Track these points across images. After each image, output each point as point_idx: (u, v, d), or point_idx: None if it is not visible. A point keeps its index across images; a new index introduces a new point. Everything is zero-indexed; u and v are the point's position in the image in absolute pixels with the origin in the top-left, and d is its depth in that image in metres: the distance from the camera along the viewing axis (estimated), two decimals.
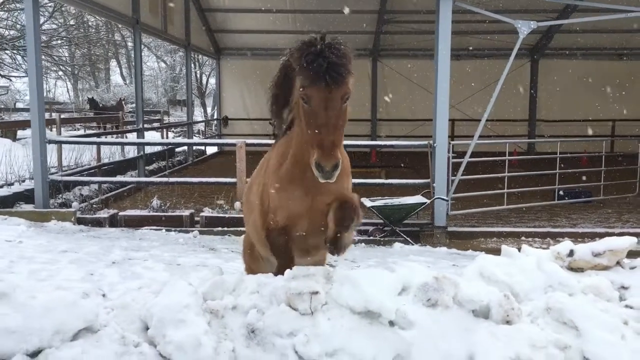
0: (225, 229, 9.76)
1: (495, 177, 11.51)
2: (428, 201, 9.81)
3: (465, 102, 19.27)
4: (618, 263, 4.14)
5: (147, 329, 2.91)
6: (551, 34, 20.17)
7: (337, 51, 3.10)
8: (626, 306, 3.66)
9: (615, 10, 10.55)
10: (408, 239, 9.55)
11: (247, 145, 10.34)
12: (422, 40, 18.60)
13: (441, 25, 9.48)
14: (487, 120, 10.24)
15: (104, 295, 3.18)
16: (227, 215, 9.86)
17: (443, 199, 9.79)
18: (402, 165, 16.47)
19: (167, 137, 22.73)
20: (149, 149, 16.35)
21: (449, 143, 10.22)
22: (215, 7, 20.25)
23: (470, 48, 19.89)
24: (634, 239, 4.14)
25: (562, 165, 11.85)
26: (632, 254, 4.28)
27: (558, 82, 21.40)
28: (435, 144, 9.98)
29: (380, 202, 9.82)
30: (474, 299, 3.32)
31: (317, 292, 3.04)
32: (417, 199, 9.89)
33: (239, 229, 9.55)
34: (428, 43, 15.49)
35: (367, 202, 9.69)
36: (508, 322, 3.28)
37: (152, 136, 24.28)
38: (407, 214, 9.73)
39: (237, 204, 10.04)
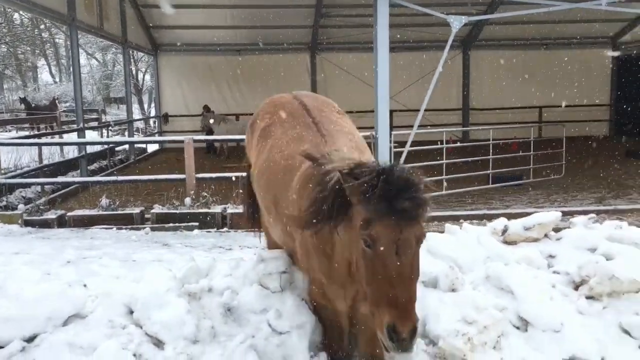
0: (178, 224, 9.90)
1: (434, 165, 12.11)
2: None
3: (403, 94, 19.91)
4: (546, 235, 4.68)
5: (132, 312, 3.16)
6: (481, 27, 21.08)
7: (410, 181, 2.56)
8: (554, 272, 4.18)
9: (539, 4, 11.30)
10: None
11: (195, 141, 10.50)
12: (361, 34, 19.09)
13: (379, 19, 9.88)
14: (425, 110, 10.78)
15: (85, 286, 3.39)
16: (178, 212, 10.00)
17: None
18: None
19: (106, 136, 22.36)
20: (89, 149, 16.14)
21: (390, 134, 10.70)
22: (152, 3, 20.06)
23: (410, 41, 20.51)
24: (559, 214, 4.68)
25: (496, 150, 12.59)
26: (557, 227, 4.83)
27: (489, 72, 22.39)
28: (377, 135, 10.43)
29: None
30: (423, 272, 3.73)
31: (285, 272, 3.36)
32: None
33: (190, 224, 9.73)
34: (366, 36, 15.99)
35: None
36: (454, 290, 3.71)
37: (89, 136, 23.79)
38: None
39: (187, 200, 10.19)
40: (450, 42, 10.35)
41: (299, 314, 3.25)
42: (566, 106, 21.11)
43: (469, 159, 13.26)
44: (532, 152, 13.17)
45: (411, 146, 10.88)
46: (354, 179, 2.61)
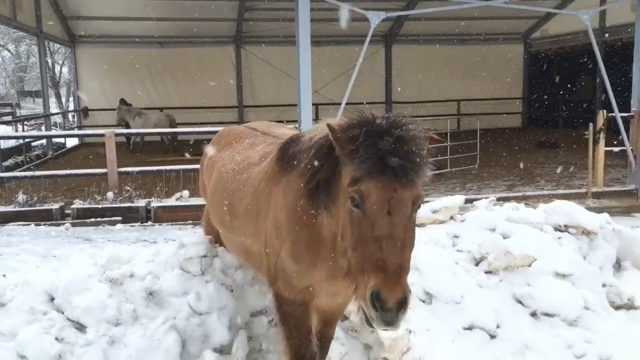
0: (100, 219, 9.76)
1: None
2: None
3: (328, 87, 20.25)
4: (452, 217, 5.05)
5: (53, 299, 3.22)
6: (401, 22, 21.72)
7: (408, 132, 2.29)
8: (457, 250, 4.55)
9: (453, 1, 11.87)
10: None
11: (117, 135, 10.36)
12: (284, 27, 19.24)
13: (300, 13, 10.09)
14: (348, 104, 11.10)
15: (4, 276, 3.41)
16: (100, 206, 9.85)
17: None
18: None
19: (22, 131, 21.43)
20: (2, 144, 15.49)
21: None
22: None
23: (334, 35, 20.81)
24: (463, 197, 5.07)
25: None
26: (462, 210, 5.22)
27: (411, 66, 23.10)
28: (301, 128, 10.65)
29: None
30: None
31: (205, 256, 3.52)
32: None
33: (113, 219, 9.62)
34: (290, 30, 16.18)
35: None
36: None
37: (3, 130, 22.73)
38: None
39: (110, 194, 10.05)
40: (369, 37, 10.70)
41: (219, 296, 3.42)
42: (482, 99, 22.17)
43: None
44: (449, 143, 13.79)
45: None
46: (342, 132, 2.34)
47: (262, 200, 3.07)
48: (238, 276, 3.66)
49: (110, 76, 22.07)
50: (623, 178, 12.01)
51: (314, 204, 2.61)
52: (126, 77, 21.94)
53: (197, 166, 10.97)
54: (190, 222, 9.45)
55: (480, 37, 23.02)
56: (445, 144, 13.86)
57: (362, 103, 20.84)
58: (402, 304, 2.12)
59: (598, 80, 17.74)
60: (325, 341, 3.26)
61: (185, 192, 10.18)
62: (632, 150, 10.96)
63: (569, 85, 22.22)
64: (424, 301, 3.94)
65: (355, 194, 2.23)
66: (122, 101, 19.28)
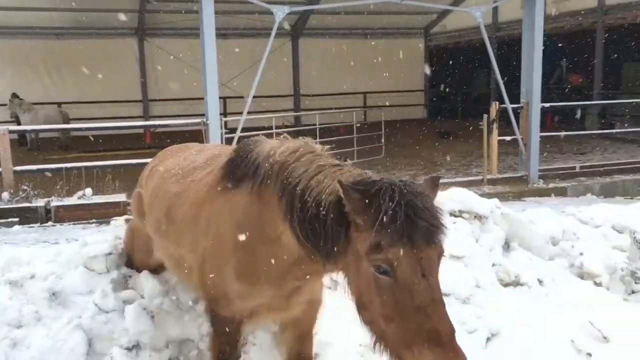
0: None
1: None
2: None
3: (236, 80, 20.12)
4: None
5: None
6: (307, 16, 21.94)
7: (421, 194, 2.23)
8: None
9: None
10: None
11: (11, 132, 9.82)
12: (189, 19, 18.88)
13: (204, 5, 9.98)
14: (256, 97, 11.13)
15: None
16: None
17: None
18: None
19: None
20: None
21: (222, 120, 10.90)
22: None
23: (242, 28, 20.67)
24: None
25: (325, 134, 13.38)
26: None
27: (318, 60, 23.39)
28: (208, 121, 10.57)
29: None
30: None
31: (111, 254, 3.50)
32: None
33: (9, 220, 9.13)
34: (195, 22, 15.90)
35: None
36: None
37: None
38: None
39: (5, 195, 9.53)
40: (274, 30, 10.77)
41: (125, 292, 3.42)
42: (387, 92, 22.87)
43: None
44: (355, 135, 14.16)
45: (245, 132, 11.16)
46: (360, 194, 2.19)
47: (204, 211, 2.90)
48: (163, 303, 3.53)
49: (4, 69, 20.72)
50: (515, 165, 12.85)
51: (305, 243, 2.42)
52: (19, 70, 20.70)
53: (101, 163, 10.67)
54: (94, 220, 9.16)
55: (384, 32, 23.69)
56: (352, 135, 14.22)
57: (270, 96, 20.96)
58: None
59: (492, 73, 18.82)
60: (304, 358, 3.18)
61: (88, 190, 9.83)
62: (521, 139, 11.75)
63: (466, 79, 23.39)
64: (330, 287, 4.11)
65: (383, 262, 2.09)
66: (14, 95, 18.22)
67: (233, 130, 11.28)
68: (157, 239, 3.45)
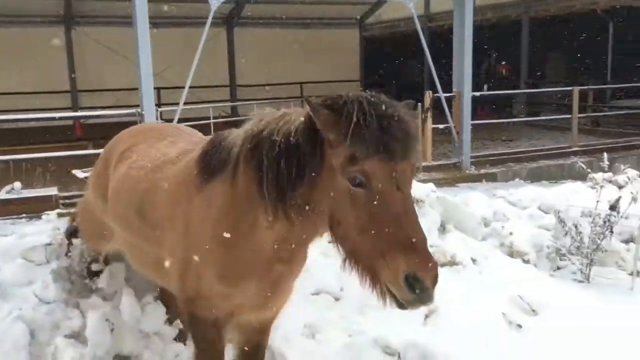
0: None
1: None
2: None
3: (170, 71, 19.72)
4: None
5: None
6: (242, 5, 21.75)
7: (399, 108, 2.23)
8: None
9: None
10: None
11: None
12: (120, 7, 18.34)
13: None
14: (192, 87, 11.00)
15: None
16: None
17: None
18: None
19: None
20: None
21: (157, 110, 10.71)
22: None
23: (175, 17, 20.24)
24: None
25: None
26: None
27: (254, 49, 23.23)
28: (143, 112, 10.37)
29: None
30: None
31: (50, 244, 3.43)
32: None
33: None
34: (126, 10, 15.47)
35: (80, 174, 9.68)
36: None
37: None
38: None
39: None
40: (210, 19, 10.67)
41: (67, 283, 3.36)
42: (324, 82, 23.02)
43: None
44: None
45: (180, 122, 11.01)
46: (328, 108, 2.17)
47: (180, 211, 2.77)
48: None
49: None
50: (449, 152, 13.27)
51: (266, 206, 2.36)
52: None
53: (30, 156, 10.27)
54: (24, 215, 8.83)
55: (319, 22, 23.80)
56: None
57: (206, 86, 20.66)
58: (437, 280, 2.10)
59: (425, 63, 19.31)
60: (259, 352, 3.08)
61: (17, 184, 9.46)
62: (454, 127, 12.15)
63: (401, 69, 23.87)
64: None
65: (358, 173, 2.10)
66: None
67: (169, 122, 11.10)
68: (128, 236, 3.28)
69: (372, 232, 2.10)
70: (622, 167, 6.43)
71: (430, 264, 2.07)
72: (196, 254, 2.63)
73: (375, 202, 2.09)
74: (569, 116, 13.73)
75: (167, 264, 2.85)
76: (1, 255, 3.37)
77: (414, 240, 2.06)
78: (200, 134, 3.72)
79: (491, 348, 3.96)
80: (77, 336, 3.27)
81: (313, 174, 2.26)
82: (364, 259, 2.17)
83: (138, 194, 3.09)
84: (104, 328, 3.30)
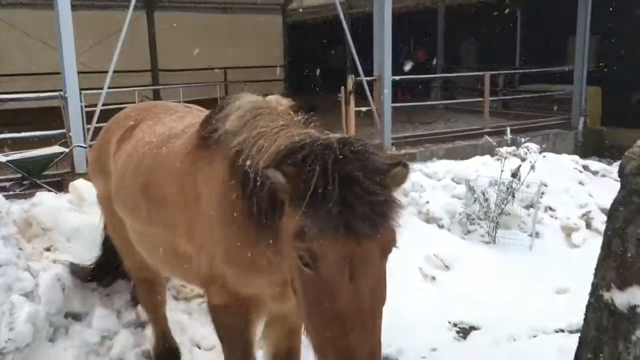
0: None
1: None
2: (67, 150, 10.12)
3: (87, 55, 19.20)
4: None
5: None
6: None
7: (369, 169, 1.81)
8: None
9: None
10: (51, 188, 9.76)
11: None
12: None
13: None
14: (113, 72, 10.90)
15: None
16: None
17: (82, 146, 10.22)
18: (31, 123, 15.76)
19: None
20: None
21: (81, 94, 10.58)
22: None
23: None
24: None
25: None
26: None
27: (175, 33, 22.91)
28: (66, 95, 10.22)
29: (16, 156, 9.70)
30: None
31: None
32: (56, 148, 10.08)
33: None
34: None
35: (1, 158, 9.48)
36: None
37: None
38: (47, 164, 9.88)
39: None
40: (133, 3, 10.62)
41: (17, 247, 3.55)
42: (247, 67, 23.11)
43: None
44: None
45: (104, 107, 10.93)
46: (284, 175, 1.84)
47: (186, 182, 2.56)
48: None
49: None
50: (371, 134, 13.85)
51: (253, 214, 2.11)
52: None
53: None
54: None
55: (242, 7, 23.82)
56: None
57: (127, 71, 20.25)
58: None
59: (347, 49, 19.84)
60: (292, 357, 2.85)
61: None
62: (375, 109, 12.71)
63: (324, 54, 24.32)
64: None
65: (305, 253, 1.74)
66: None
67: (91, 106, 10.98)
68: (135, 223, 3.09)
69: (317, 326, 1.77)
70: (523, 140, 7.10)
71: None
72: (207, 237, 2.42)
73: (322, 292, 1.73)
74: (481, 99, 14.62)
75: (180, 246, 2.66)
76: None
77: (357, 354, 1.67)
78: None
79: (409, 296, 4.45)
80: (30, 295, 3.44)
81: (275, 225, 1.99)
82: (312, 341, 1.84)
83: (142, 172, 2.89)
84: (56, 287, 3.49)
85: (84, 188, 4.59)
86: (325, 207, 1.71)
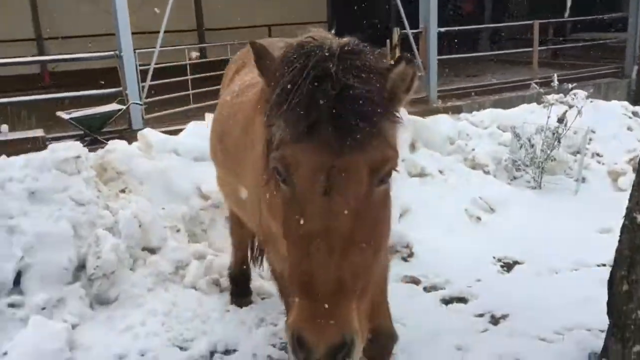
0: None
1: (180, 81, 12.77)
2: (124, 107, 10.60)
3: (135, 16, 19.54)
4: None
5: None
6: None
7: (352, 66, 1.58)
8: None
9: None
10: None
11: None
12: None
13: None
14: (156, 32, 11.24)
15: None
16: None
17: (138, 104, 10.69)
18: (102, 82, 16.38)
19: None
20: None
21: (135, 53, 10.99)
22: None
23: None
24: None
25: None
26: None
27: None
28: (122, 54, 10.64)
29: (78, 113, 10.23)
30: (194, 149, 4.67)
31: (79, 157, 3.97)
32: (114, 106, 10.58)
33: None
34: None
35: (64, 115, 10.03)
36: None
37: None
38: (107, 121, 10.39)
39: None
40: None
41: (96, 189, 3.96)
42: (290, 24, 23.12)
43: (210, 74, 14.19)
44: None
45: (156, 66, 11.33)
46: (264, 54, 1.73)
47: (249, 135, 2.39)
48: None
49: None
50: (418, 87, 13.88)
51: None
52: None
53: (15, 99, 10.56)
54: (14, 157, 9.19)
55: None
56: None
57: (174, 31, 20.58)
58: (338, 351, 1.40)
59: (392, 2, 19.60)
60: (380, 338, 2.40)
61: (4, 127, 9.76)
62: (421, 62, 12.71)
63: (369, 8, 24.06)
64: None
65: (278, 163, 1.57)
66: None
67: (145, 66, 11.39)
68: (218, 170, 3.19)
69: (289, 246, 1.58)
70: (570, 85, 7.10)
71: (329, 324, 1.39)
72: (257, 186, 2.21)
73: (294, 209, 1.54)
74: (530, 49, 14.37)
75: (242, 194, 2.61)
76: (37, 167, 3.88)
77: (319, 280, 1.42)
78: None
79: (455, 234, 4.70)
80: (111, 230, 3.87)
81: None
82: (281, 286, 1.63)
83: (221, 122, 2.91)
84: (134, 223, 3.91)
85: (151, 136, 4.96)
86: (298, 108, 1.51)
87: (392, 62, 1.67)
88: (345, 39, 1.72)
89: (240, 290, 4.01)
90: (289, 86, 1.54)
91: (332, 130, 1.48)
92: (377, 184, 1.58)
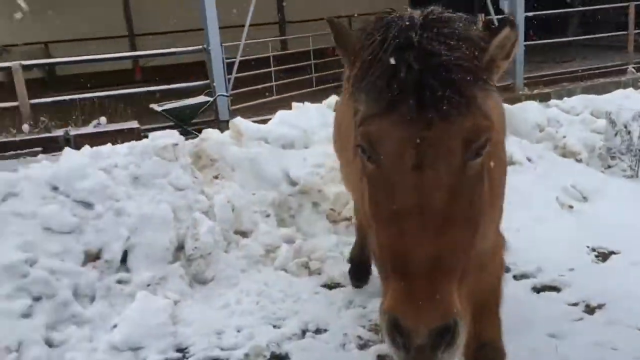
0: (19, 152, 9.82)
1: (264, 73, 13.09)
2: (211, 99, 11.01)
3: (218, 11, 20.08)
4: None
5: (57, 188, 3.81)
6: None
7: (439, 34, 1.49)
8: None
9: None
10: (199, 135, 10.74)
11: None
12: None
13: None
14: (243, 26, 11.57)
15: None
16: (17, 139, 9.90)
17: (224, 95, 11.07)
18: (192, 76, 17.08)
19: None
20: None
21: (222, 46, 11.38)
22: None
23: None
24: None
25: (316, 57, 13.93)
26: None
27: None
28: (209, 48, 11.05)
29: (168, 105, 10.73)
30: (282, 135, 4.81)
31: (177, 144, 4.21)
32: (202, 98, 11.02)
33: (33, 149, 9.73)
34: None
35: (157, 107, 10.55)
36: (306, 147, 4.84)
37: None
38: (196, 112, 10.84)
39: (25, 127, 10.10)
40: None
41: (192, 175, 4.19)
42: (368, 14, 22.95)
43: (294, 65, 14.45)
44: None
45: (241, 59, 11.69)
46: (339, 28, 1.68)
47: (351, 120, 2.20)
48: None
49: None
50: (503, 74, 13.50)
51: None
52: None
53: (113, 92, 11.23)
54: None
55: None
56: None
57: (257, 24, 20.98)
58: (440, 336, 1.33)
59: None
60: (487, 314, 2.28)
61: (103, 119, 10.40)
62: None
63: None
64: None
65: (363, 140, 1.49)
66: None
67: (232, 59, 11.77)
68: (340, 159, 3.32)
69: (378, 227, 1.50)
70: None
71: (427, 305, 1.31)
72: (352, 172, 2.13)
73: (381, 187, 1.47)
74: (625, 33, 13.62)
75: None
76: (139, 154, 4.16)
77: (415, 261, 1.36)
78: None
79: (546, 222, 4.59)
80: (207, 214, 4.09)
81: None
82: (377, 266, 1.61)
83: (339, 110, 3.02)
84: (227, 208, 4.11)
85: (242, 125, 5.17)
86: (376, 82, 1.45)
87: (494, 26, 1.57)
88: (430, 8, 1.65)
89: (356, 271, 4.04)
90: (369, 58, 1.49)
91: (417, 102, 1.41)
92: (472, 157, 1.47)
